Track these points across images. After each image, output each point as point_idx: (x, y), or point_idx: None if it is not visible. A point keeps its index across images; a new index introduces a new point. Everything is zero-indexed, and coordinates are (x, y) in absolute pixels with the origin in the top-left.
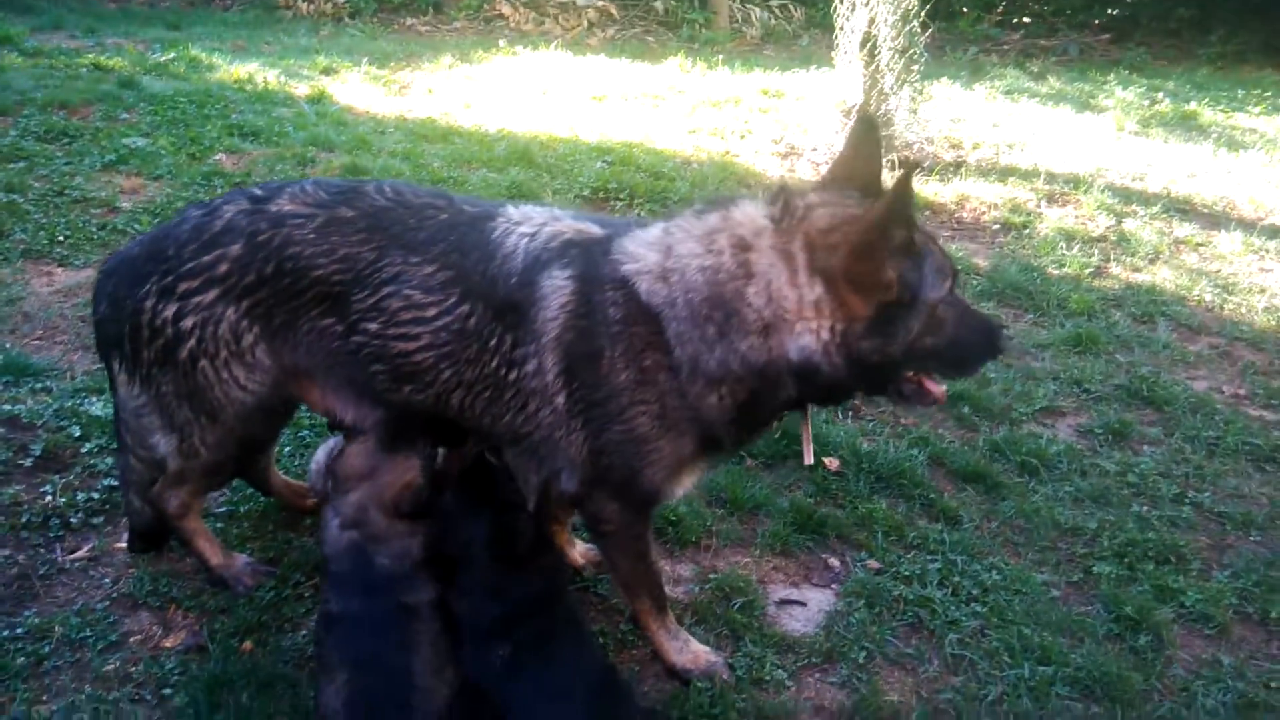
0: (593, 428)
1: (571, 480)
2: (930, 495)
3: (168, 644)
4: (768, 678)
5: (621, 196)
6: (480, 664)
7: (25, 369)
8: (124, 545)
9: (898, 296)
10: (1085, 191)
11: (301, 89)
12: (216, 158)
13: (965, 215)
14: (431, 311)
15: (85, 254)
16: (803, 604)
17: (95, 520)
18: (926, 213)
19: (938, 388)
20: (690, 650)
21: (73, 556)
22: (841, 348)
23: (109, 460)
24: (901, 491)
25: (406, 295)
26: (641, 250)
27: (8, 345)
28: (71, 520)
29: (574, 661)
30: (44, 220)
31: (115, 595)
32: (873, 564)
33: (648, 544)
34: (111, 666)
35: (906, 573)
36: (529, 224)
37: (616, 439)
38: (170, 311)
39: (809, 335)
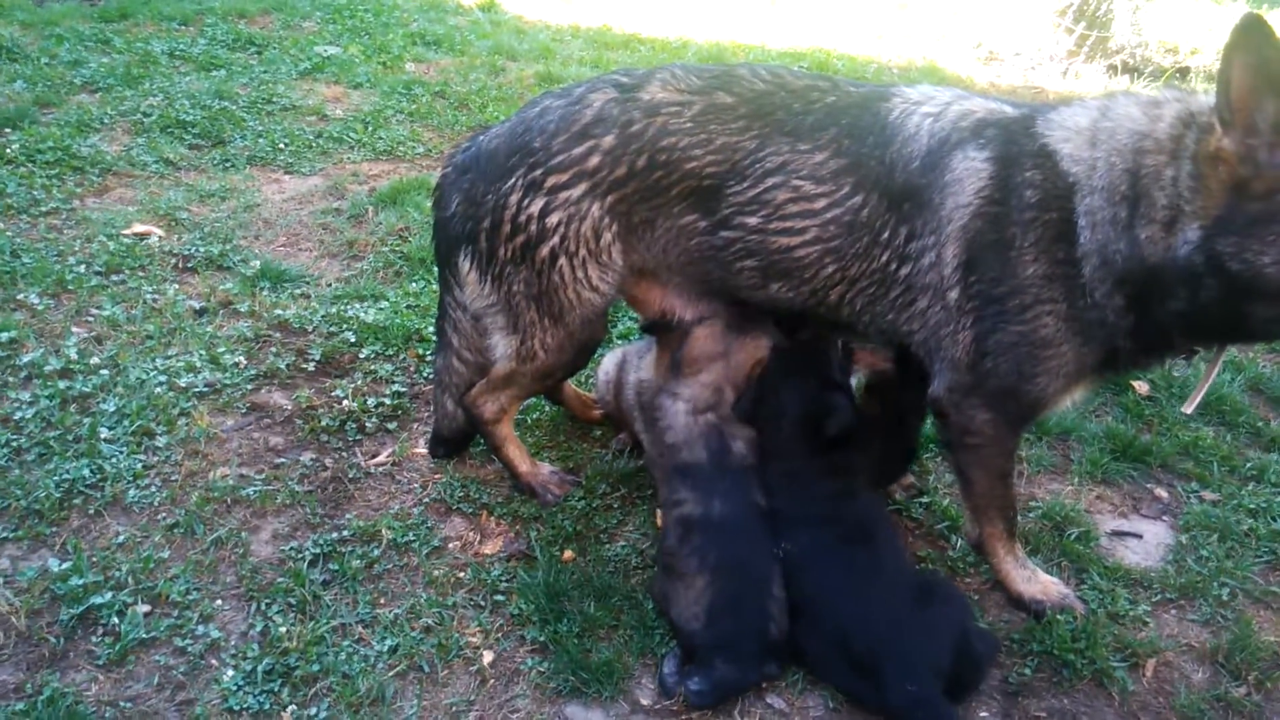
0: (985, 326)
1: (943, 384)
2: (1255, 423)
3: (487, 550)
4: (1123, 613)
5: None
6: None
7: (281, 275)
8: (423, 451)
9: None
10: None
11: None
12: (407, 66)
13: None
14: (821, 203)
15: (309, 162)
16: (1138, 536)
17: (389, 426)
18: None
19: None
20: (1039, 581)
21: (374, 461)
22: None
23: (388, 366)
24: (1222, 419)
25: (795, 186)
26: (1075, 119)
27: (257, 251)
28: (367, 425)
29: (891, 560)
30: (260, 128)
31: (426, 500)
32: (1209, 495)
33: (1013, 461)
34: (440, 571)
35: (1251, 506)
36: (932, 104)
37: (1011, 340)
38: (536, 207)
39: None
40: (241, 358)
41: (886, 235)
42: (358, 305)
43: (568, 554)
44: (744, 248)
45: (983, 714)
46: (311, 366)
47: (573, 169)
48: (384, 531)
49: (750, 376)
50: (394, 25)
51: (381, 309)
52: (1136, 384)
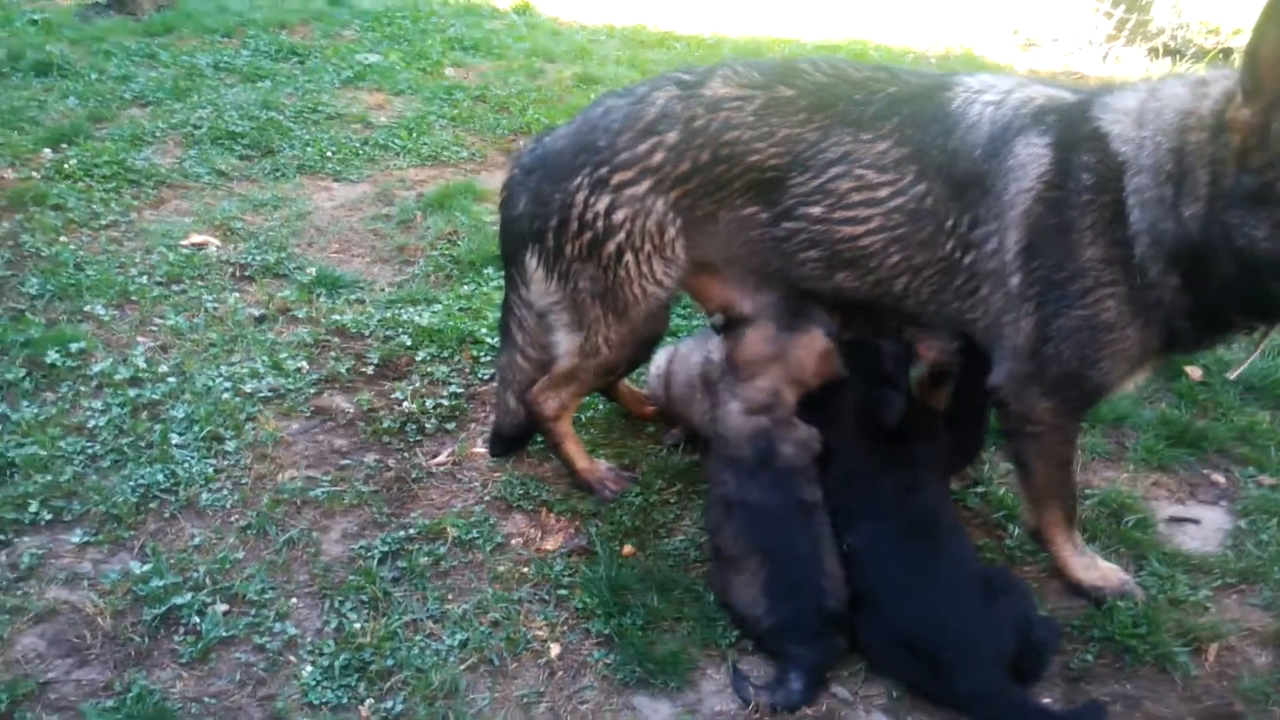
0: (1047, 311)
1: (1004, 372)
2: None
3: (548, 546)
4: (1183, 598)
5: None
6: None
7: (336, 281)
8: (482, 451)
9: None
10: None
11: (504, 2)
12: (447, 71)
13: None
14: (884, 191)
15: (356, 169)
16: (1196, 522)
17: (449, 427)
18: None
19: None
20: (1098, 568)
21: (435, 461)
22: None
23: (444, 369)
24: (1277, 403)
25: (858, 175)
26: (1124, 101)
27: (312, 258)
28: (426, 426)
29: (955, 553)
30: (307, 136)
31: (488, 499)
32: (1266, 480)
33: (1075, 448)
34: (504, 567)
35: None
36: (993, 91)
37: (1073, 325)
38: (603, 204)
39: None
40: (303, 363)
41: (951, 222)
42: (411, 309)
43: (628, 549)
44: (808, 238)
45: (1046, 699)
46: (370, 370)
47: (638, 165)
48: (449, 529)
49: (818, 372)
50: (431, 31)
51: (435, 312)
52: (1190, 369)
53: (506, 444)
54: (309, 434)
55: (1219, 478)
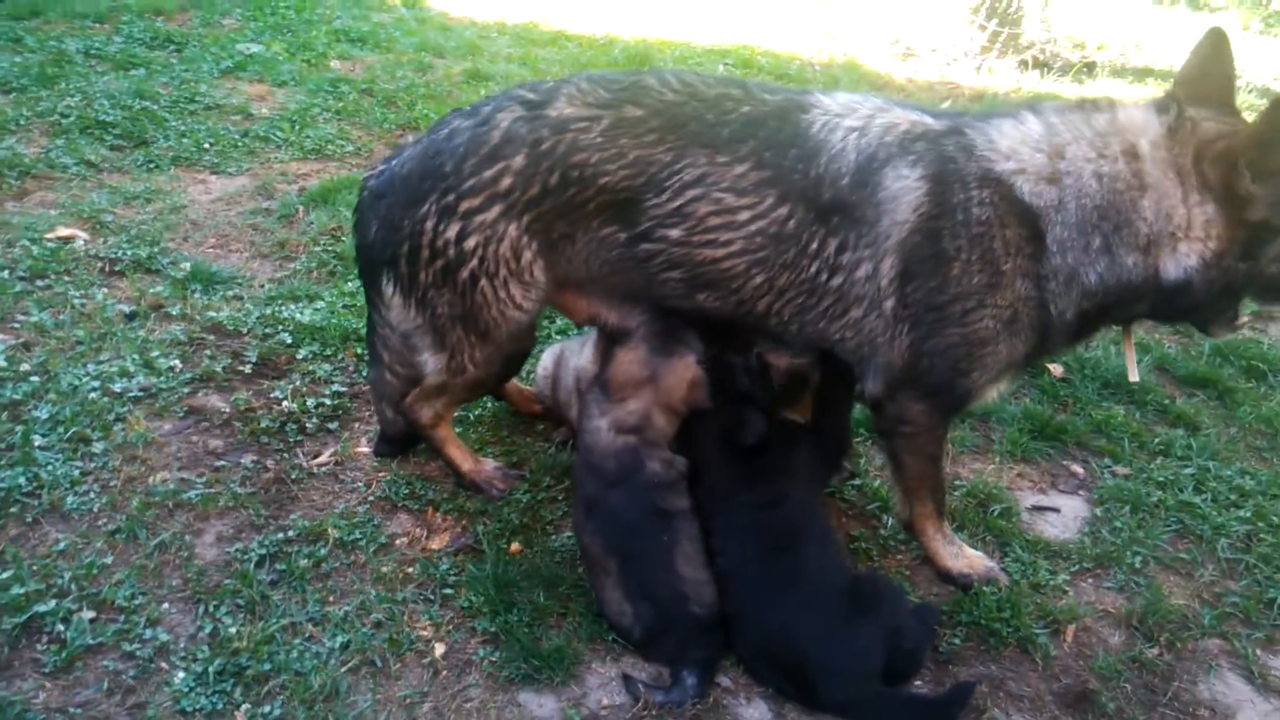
0: (923, 331)
1: (877, 382)
2: (1162, 401)
3: (434, 546)
4: (1044, 583)
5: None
6: (723, 568)
7: (212, 277)
8: (365, 450)
9: (1267, 219)
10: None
11: None
12: (332, 63)
13: None
14: (744, 215)
15: (234, 161)
16: (1056, 510)
17: (330, 426)
18: None
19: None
20: (965, 556)
21: (316, 461)
22: (1215, 269)
23: (326, 367)
24: (1131, 397)
25: (716, 199)
26: (1018, 149)
27: (186, 253)
28: (307, 426)
29: (819, 566)
30: (183, 128)
31: (371, 499)
32: (1120, 470)
33: (944, 446)
34: (388, 568)
35: (1160, 479)
36: (853, 116)
37: (950, 342)
38: (452, 232)
39: (1194, 255)
40: (176, 361)
41: (815, 246)
42: (293, 306)
43: (514, 546)
44: (667, 260)
45: (916, 684)
46: (248, 369)
47: (485, 192)
48: (330, 530)
49: (688, 399)
50: (317, 22)
51: (317, 309)
52: (1052, 366)
53: (394, 445)
54: (182, 435)
55: (1078, 468)
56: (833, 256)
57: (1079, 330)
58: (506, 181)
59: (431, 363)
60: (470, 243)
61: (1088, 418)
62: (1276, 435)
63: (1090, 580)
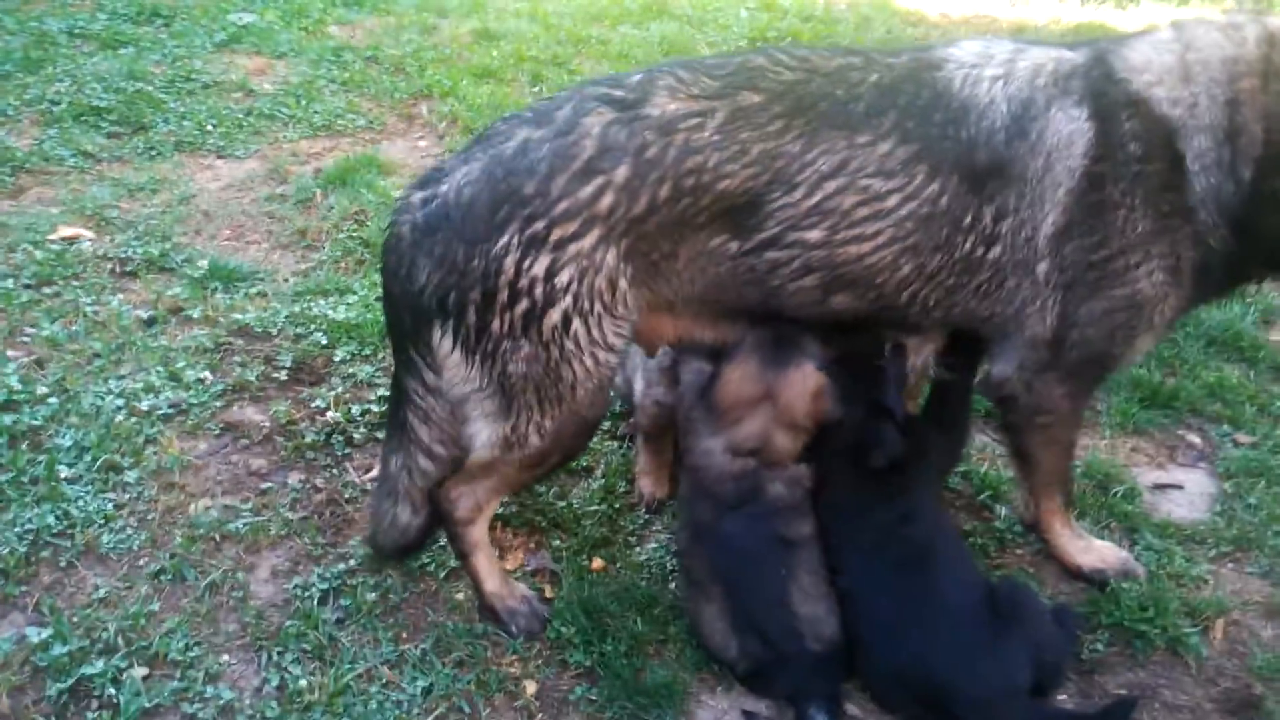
0: (1078, 295)
1: (1012, 364)
2: (1276, 359)
3: (508, 566)
4: (1182, 573)
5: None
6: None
7: (232, 273)
8: None
9: None
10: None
11: None
12: (331, 30)
13: None
14: (893, 200)
15: (241, 143)
16: (1180, 487)
17: (379, 435)
18: None
19: None
20: (1095, 549)
21: (369, 476)
22: None
23: (368, 369)
24: (1243, 355)
25: (862, 186)
26: (1152, 56)
27: (201, 248)
28: (354, 436)
29: (953, 581)
30: (183, 109)
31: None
32: (1243, 438)
33: (1080, 430)
34: (462, 594)
35: None
36: (993, 64)
37: (1107, 306)
38: (542, 266)
39: None
40: (205, 372)
41: (969, 219)
42: (323, 302)
43: (597, 563)
44: (803, 265)
45: (1061, 697)
46: (283, 375)
47: (582, 215)
48: None
49: (812, 413)
50: None
51: (350, 304)
52: None
53: (386, 559)
54: (220, 455)
55: (1194, 438)
56: (990, 226)
57: (1237, 276)
58: (607, 200)
59: (486, 434)
60: (564, 277)
61: (1199, 381)
62: None
63: (1230, 566)
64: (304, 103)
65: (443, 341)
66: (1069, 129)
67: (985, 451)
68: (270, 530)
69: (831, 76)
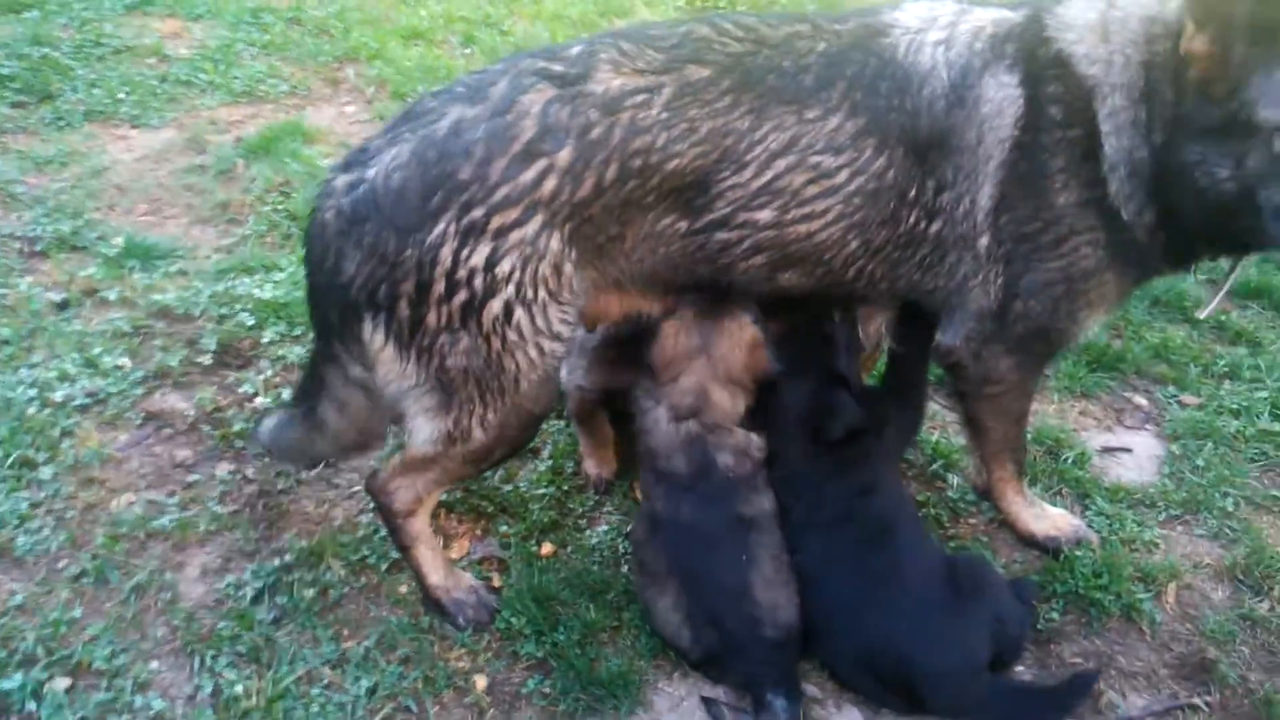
0: (1018, 268)
1: (960, 334)
2: (1219, 318)
3: (453, 555)
4: (1134, 537)
5: (721, 6)
6: (806, 567)
7: (150, 251)
8: None
9: None
10: None
11: None
12: None
13: None
14: (843, 176)
15: (156, 111)
16: (1129, 450)
17: None
18: None
19: None
20: (1048, 516)
21: None
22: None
23: (298, 350)
24: (1185, 316)
25: (814, 164)
26: (1081, 13)
27: (116, 225)
28: None
29: (913, 557)
30: (93, 76)
31: (373, 506)
32: (1189, 399)
33: (1031, 400)
34: (405, 588)
35: (1232, 406)
36: (936, 28)
37: (1046, 278)
38: (481, 256)
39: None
40: (123, 358)
41: (914, 193)
42: (248, 280)
43: (546, 548)
44: (752, 245)
45: (1018, 668)
46: (208, 359)
47: (523, 201)
48: (332, 549)
49: (748, 365)
50: None
51: (277, 282)
52: None
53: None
54: (143, 446)
55: (1141, 400)
56: (931, 199)
57: (1176, 255)
58: (550, 184)
59: (426, 429)
60: (505, 266)
61: (1145, 343)
62: None
63: (1180, 529)
64: (222, 68)
65: (374, 336)
66: (999, 96)
67: (936, 419)
68: (199, 526)
69: (779, 47)
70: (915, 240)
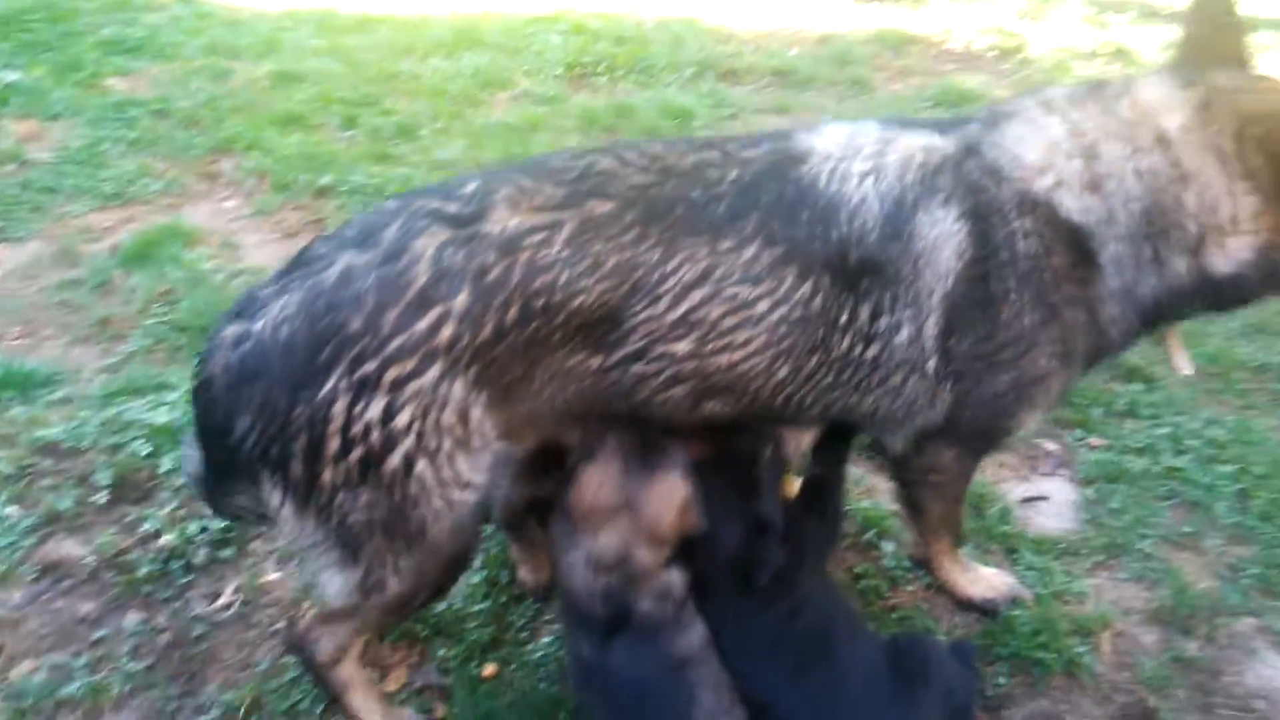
0: (968, 384)
1: (901, 438)
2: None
3: (391, 688)
4: (1065, 589)
5: (600, 71)
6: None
7: (27, 379)
8: (276, 577)
9: None
10: (1061, 5)
11: None
12: (110, 83)
13: (955, 46)
14: (763, 306)
15: (20, 223)
16: (1045, 498)
17: (224, 554)
18: (915, 47)
19: None
20: (983, 579)
21: (218, 605)
22: (1269, 260)
23: None
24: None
25: (730, 295)
26: (1044, 157)
27: None
28: (194, 560)
29: (853, 655)
30: None
31: None
32: (1095, 441)
33: (970, 482)
34: None
35: (1136, 445)
36: (860, 157)
37: (999, 389)
38: (376, 411)
39: (1246, 249)
40: (9, 505)
41: (846, 319)
42: (138, 402)
43: (489, 669)
44: (671, 375)
45: None
46: (104, 497)
47: (419, 351)
48: (262, 697)
49: (676, 525)
50: (80, 34)
51: (170, 402)
52: None
53: None
54: (40, 603)
55: (1052, 445)
56: (866, 325)
57: (1128, 342)
58: (448, 331)
59: (338, 582)
60: (403, 418)
61: None
62: (1225, 374)
63: (1105, 575)
64: (89, 169)
65: (272, 494)
66: (935, 233)
67: (863, 485)
68: (112, 689)
69: (687, 176)
70: (850, 364)
